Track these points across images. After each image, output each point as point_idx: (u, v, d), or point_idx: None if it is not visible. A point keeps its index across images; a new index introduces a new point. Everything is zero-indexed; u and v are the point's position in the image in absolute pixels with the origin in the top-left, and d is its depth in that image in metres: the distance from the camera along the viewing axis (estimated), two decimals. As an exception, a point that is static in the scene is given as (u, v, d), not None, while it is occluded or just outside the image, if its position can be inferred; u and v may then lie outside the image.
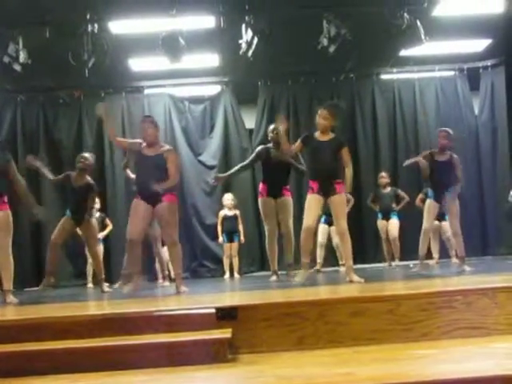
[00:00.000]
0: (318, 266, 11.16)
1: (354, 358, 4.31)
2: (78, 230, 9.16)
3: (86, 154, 9.12)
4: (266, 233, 8.89)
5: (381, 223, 11.57)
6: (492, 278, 6.22)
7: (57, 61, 9.74)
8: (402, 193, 11.61)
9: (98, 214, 10.99)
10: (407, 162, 9.00)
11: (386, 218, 11.51)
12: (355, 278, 7.17)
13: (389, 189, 11.59)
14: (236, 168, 9.25)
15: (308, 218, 7.37)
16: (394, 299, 4.90)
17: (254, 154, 9.05)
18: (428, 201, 8.68)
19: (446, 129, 8.87)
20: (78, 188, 8.87)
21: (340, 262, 11.21)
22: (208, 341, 4.51)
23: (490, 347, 4.41)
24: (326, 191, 7.31)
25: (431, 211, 8.59)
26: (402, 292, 5.18)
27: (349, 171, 7.43)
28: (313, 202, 7.38)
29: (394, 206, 11.52)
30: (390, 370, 3.86)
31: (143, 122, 7.66)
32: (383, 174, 11.71)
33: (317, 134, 7.50)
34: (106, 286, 9.10)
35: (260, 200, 8.86)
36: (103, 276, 9.25)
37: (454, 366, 3.87)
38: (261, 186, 8.88)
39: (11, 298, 7.28)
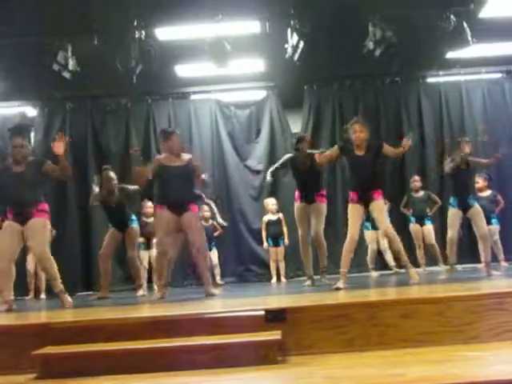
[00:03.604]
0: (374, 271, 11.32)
1: (403, 359, 4.31)
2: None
3: (112, 174, 9.48)
4: (300, 238, 9.00)
5: (414, 228, 11.41)
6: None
7: (104, 68, 9.86)
8: (434, 197, 11.47)
9: (151, 219, 11.10)
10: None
11: (420, 222, 11.37)
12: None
13: (422, 193, 11.45)
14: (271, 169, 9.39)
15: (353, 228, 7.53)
16: (444, 301, 4.89)
17: (280, 161, 9.29)
18: (451, 209, 8.62)
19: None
20: (115, 205, 9.36)
21: (390, 264, 11.27)
22: (257, 343, 4.55)
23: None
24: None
25: (455, 219, 8.56)
26: (452, 294, 5.16)
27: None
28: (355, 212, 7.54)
29: (427, 210, 11.35)
30: (441, 371, 3.86)
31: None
32: (416, 177, 11.56)
33: (355, 148, 7.60)
34: (141, 291, 9.40)
35: (295, 206, 9.06)
36: (142, 282, 9.61)
37: (504, 368, 3.84)
38: (296, 192, 9.09)
39: (67, 299, 7.39)
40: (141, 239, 10.55)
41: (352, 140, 7.58)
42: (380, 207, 7.59)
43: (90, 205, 10.10)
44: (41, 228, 7.35)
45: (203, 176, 7.89)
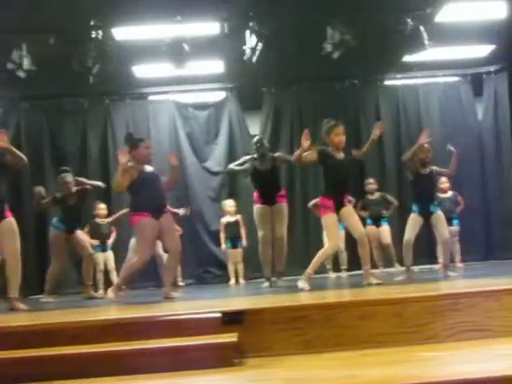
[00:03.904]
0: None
1: (361, 361, 4.33)
2: None
3: (68, 178, 9.51)
4: (260, 239, 8.98)
5: (370, 229, 11.40)
6: (497, 281, 6.21)
7: (61, 68, 9.74)
8: (390, 197, 11.57)
9: (104, 221, 11.03)
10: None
11: (376, 224, 11.46)
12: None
13: (377, 194, 11.54)
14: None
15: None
16: (400, 302, 4.92)
17: (239, 162, 9.27)
18: (413, 214, 8.51)
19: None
20: (74, 204, 9.50)
21: (342, 267, 11.42)
22: (213, 345, 4.52)
23: (495, 349, 4.43)
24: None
25: (415, 224, 8.48)
26: (408, 295, 5.20)
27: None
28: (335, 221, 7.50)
29: (384, 211, 11.45)
30: (397, 372, 3.88)
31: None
32: (371, 180, 11.66)
33: (333, 152, 7.49)
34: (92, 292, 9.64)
35: (255, 207, 9.02)
36: (90, 282, 9.78)
37: (461, 368, 3.89)
38: (255, 194, 9.07)
39: (20, 305, 7.29)
40: (95, 241, 10.56)
41: (333, 143, 7.43)
42: (353, 212, 7.61)
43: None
44: (14, 228, 7.35)
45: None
